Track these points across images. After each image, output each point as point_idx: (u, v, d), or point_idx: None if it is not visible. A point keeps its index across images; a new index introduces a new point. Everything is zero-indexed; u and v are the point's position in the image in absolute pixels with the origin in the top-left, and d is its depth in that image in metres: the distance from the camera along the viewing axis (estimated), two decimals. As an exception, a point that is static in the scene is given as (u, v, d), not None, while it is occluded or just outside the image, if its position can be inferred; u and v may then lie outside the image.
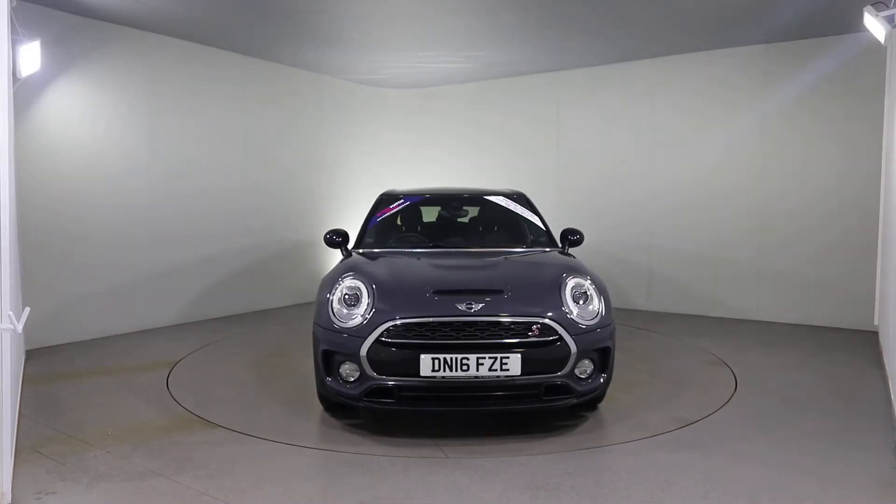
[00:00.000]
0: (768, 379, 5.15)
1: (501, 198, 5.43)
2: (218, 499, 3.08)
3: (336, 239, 5.02)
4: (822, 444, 3.78)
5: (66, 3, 5.89)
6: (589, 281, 4.14)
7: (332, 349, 3.86)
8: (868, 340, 6.42)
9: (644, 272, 8.22)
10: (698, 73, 7.77)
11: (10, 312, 2.87)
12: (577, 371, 3.84)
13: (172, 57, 7.08)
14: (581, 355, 3.81)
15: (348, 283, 4.07)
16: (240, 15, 6.29)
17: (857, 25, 6.23)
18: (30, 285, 5.71)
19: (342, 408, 4.21)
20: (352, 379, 3.79)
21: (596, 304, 4.03)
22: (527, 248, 5.06)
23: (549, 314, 3.81)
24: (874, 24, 5.03)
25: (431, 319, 3.74)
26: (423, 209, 5.75)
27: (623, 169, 8.31)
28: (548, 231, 5.21)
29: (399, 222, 5.55)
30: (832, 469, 3.42)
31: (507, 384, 3.71)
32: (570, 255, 4.90)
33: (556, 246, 5.07)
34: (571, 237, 5.05)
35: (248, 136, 7.97)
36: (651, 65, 8.07)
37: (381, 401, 3.76)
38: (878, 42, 5.36)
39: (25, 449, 3.65)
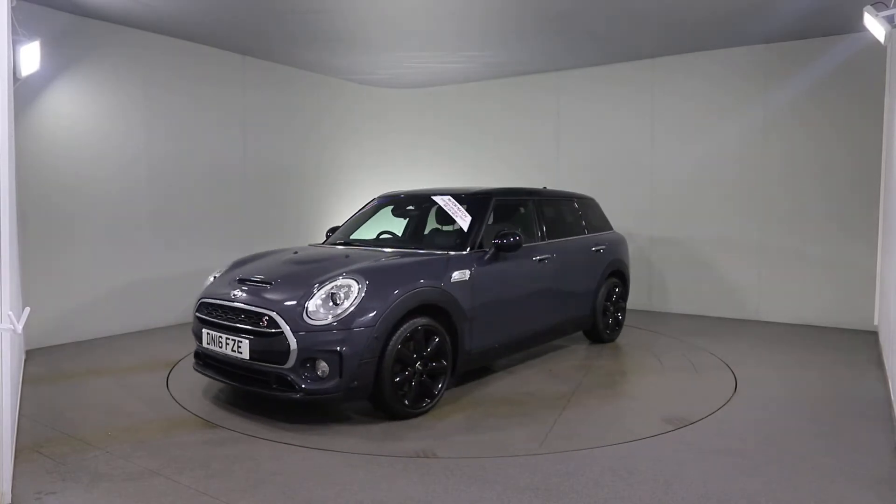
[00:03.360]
0: (768, 379, 5.15)
1: (448, 199, 5.21)
2: (218, 499, 3.08)
3: (329, 235, 5.88)
4: (821, 443, 3.79)
5: (66, 3, 5.89)
6: (361, 285, 3.99)
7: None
8: (868, 340, 6.42)
9: (644, 272, 8.22)
10: (698, 73, 7.77)
11: (10, 312, 2.87)
12: (314, 369, 3.88)
13: (172, 57, 7.08)
14: (307, 353, 3.85)
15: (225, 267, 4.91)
16: (240, 15, 6.29)
17: (857, 25, 6.23)
18: (30, 285, 5.71)
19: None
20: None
21: (347, 306, 3.90)
22: (439, 250, 4.77)
23: (279, 308, 3.96)
24: (874, 24, 5.03)
25: (208, 300, 4.42)
26: (391, 209, 5.90)
27: (623, 169, 8.31)
28: (468, 235, 4.86)
29: (362, 221, 5.85)
30: (832, 469, 3.42)
31: (242, 365, 4.13)
32: (463, 259, 4.64)
33: (464, 249, 4.75)
34: (496, 241, 4.83)
35: (247, 136, 7.97)
36: (651, 65, 8.07)
37: (196, 361, 4.61)
38: (878, 42, 5.36)
39: (25, 449, 3.65)
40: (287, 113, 8.49)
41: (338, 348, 3.84)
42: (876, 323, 6.39)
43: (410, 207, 5.87)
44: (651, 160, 8.15)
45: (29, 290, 5.63)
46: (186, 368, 5.38)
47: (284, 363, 3.90)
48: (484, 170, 9.35)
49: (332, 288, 4.01)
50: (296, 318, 3.90)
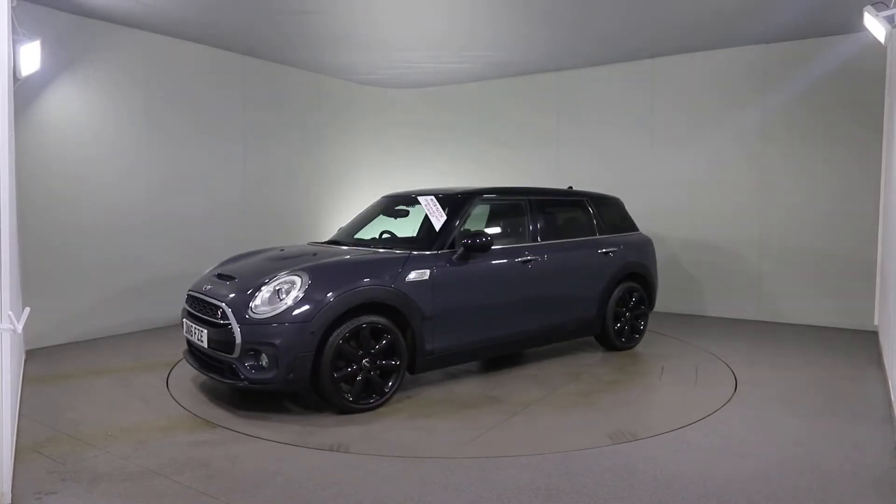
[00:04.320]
0: (768, 379, 5.15)
1: (430, 200, 5.17)
2: (218, 499, 3.08)
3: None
4: (821, 443, 3.79)
5: (66, 3, 5.89)
6: (304, 281, 4.14)
7: None
8: (868, 340, 6.42)
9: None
10: (698, 73, 7.78)
11: (10, 312, 2.87)
12: (256, 360, 4.07)
13: (172, 57, 7.08)
14: (249, 344, 4.06)
15: None
16: (239, 15, 6.29)
17: (857, 25, 6.23)
18: (30, 285, 5.71)
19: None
20: None
21: (288, 302, 4.07)
22: (409, 249, 4.77)
23: (230, 301, 4.22)
24: (874, 24, 5.03)
25: (190, 292, 4.74)
26: (393, 209, 5.88)
27: (623, 169, 8.31)
28: (437, 235, 4.90)
29: (366, 220, 5.86)
30: (832, 469, 3.42)
31: (204, 353, 4.43)
32: (421, 258, 4.62)
33: (430, 248, 4.76)
34: (465, 241, 4.78)
35: (247, 136, 7.97)
36: (651, 65, 8.07)
37: (185, 350, 4.83)
38: (878, 42, 5.36)
39: (25, 449, 3.65)
40: (287, 113, 8.49)
41: (274, 341, 4.01)
42: (876, 323, 6.39)
43: (402, 207, 5.84)
44: (651, 160, 8.15)
45: (29, 290, 5.63)
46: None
47: (232, 353, 4.12)
48: (484, 169, 9.34)
49: (279, 284, 4.19)
50: (242, 311, 4.12)
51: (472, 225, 5.28)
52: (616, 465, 3.46)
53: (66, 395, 4.68)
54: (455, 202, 5.14)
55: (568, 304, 5.65)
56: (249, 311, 4.10)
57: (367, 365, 4.28)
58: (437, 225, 4.95)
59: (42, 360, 5.63)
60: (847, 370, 5.40)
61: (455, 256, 4.80)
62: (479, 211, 5.43)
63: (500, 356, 5.81)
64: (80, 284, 6.38)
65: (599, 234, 6.05)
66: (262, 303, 4.12)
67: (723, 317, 7.76)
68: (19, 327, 2.88)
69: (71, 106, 6.28)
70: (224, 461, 3.51)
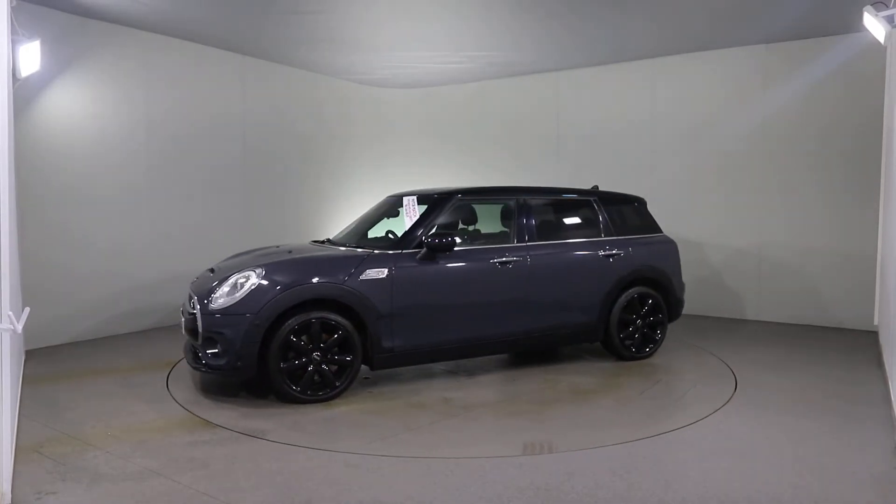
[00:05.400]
0: (768, 379, 5.15)
1: (411, 200, 5.18)
2: (218, 499, 3.08)
3: None
4: (822, 443, 3.79)
5: (66, 3, 5.89)
6: (257, 276, 4.42)
7: None
8: (868, 340, 6.42)
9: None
10: (698, 73, 7.77)
11: (10, 312, 2.87)
12: (214, 347, 4.38)
13: (172, 57, 7.08)
14: (207, 333, 4.38)
15: None
16: (240, 15, 6.29)
17: (857, 25, 6.22)
18: (30, 285, 5.70)
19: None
20: None
21: (238, 295, 4.36)
22: (382, 248, 4.86)
23: (199, 293, 4.55)
24: (874, 24, 5.03)
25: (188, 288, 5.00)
26: (381, 209, 5.91)
27: (623, 169, 8.30)
28: (404, 234, 4.96)
29: (369, 220, 5.88)
30: (832, 469, 3.42)
31: (188, 341, 4.75)
32: (378, 255, 4.70)
33: (399, 248, 4.83)
34: (427, 241, 4.77)
35: (247, 136, 7.97)
36: (651, 65, 8.07)
37: None
38: (878, 42, 5.36)
39: (25, 449, 3.65)
40: (287, 113, 8.48)
41: (225, 331, 4.32)
42: (876, 323, 6.39)
43: (390, 206, 5.83)
44: (651, 160, 8.15)
45: (29, 290, 5.63)
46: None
47: (197, 340, 4.47)
48: (484, 169, 9.34)
49: (237, 278, 4.46)
50: (205, 302, 4.43)
51: (466, 224, 5.37)
52: (616, 465, 3.46)
53: (66, 395, 4.68)
54: (432, 202, 5.16)
55: (559, 307, 5.36)
56: (209, 303, 4.41)
57: (318, 358, 4.43)
58: (408, 224, 5.02)
59: (42, 360, 5.63)
60: (847, 370, 5.40)
61: (419, 256, 4.80)
62: (465, 211, 5.39)
63: (509, 355, 5.83)
64: (79, 284, 6.38)
65: (606, 236, 5.70)
66: (220, 295, 4.41)
67: (723, 317, 7.76)
68: (19, 327, 2.88)
69: (70, 106, 6.28)
70: (224, 461, 3.51)
